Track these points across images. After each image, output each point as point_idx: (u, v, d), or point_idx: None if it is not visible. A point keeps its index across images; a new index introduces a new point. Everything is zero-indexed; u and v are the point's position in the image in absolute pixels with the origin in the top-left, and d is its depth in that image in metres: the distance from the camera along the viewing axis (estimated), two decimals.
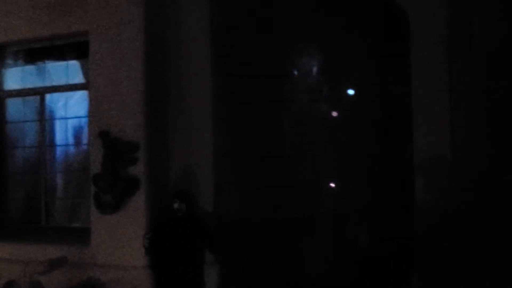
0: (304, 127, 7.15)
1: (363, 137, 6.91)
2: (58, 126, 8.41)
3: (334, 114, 7.07)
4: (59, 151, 8.40)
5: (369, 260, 6.73)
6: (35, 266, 7.38)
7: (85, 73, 8.11)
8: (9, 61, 8.71)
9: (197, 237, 6.96)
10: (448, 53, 6.41)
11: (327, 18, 7.00)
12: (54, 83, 8.40)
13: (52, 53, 8.41)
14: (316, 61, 7.12)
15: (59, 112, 8.42)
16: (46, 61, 8.49)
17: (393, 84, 6.84)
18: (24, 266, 7.43)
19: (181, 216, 6.93)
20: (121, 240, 7.41)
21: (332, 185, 7.11)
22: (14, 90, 8.66)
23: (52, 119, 8.45)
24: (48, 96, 8.44)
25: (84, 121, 8.13)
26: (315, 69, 7.14)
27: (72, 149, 8.35)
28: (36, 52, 8.56)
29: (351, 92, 7.04)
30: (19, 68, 8.68)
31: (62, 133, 8.40)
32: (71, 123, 8.33)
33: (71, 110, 8.34)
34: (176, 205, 6.92)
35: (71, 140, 8.37)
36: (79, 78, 8.25)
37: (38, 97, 8.47)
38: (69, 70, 8.35)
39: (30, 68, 8.60)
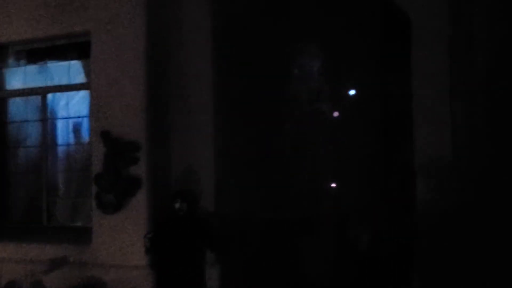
0: (305, 127, 7.17)
1: (364, 137, 6.93)
2: (60, 126, 8.41)
3: (335, 114, 7.09)
4: (60, 150, 8.40)
5: (369, 260, 6.75)
6: (37, 266, 7.41)
7: (87, 73, 8.11)
8: (11, 61, 8.72)
9: (198, 237, 6.96)
10: (449, 53, 6.40)
11: (327, 18, 7.02)
12: (56, 83, 8.40)
13: (53, 53, 8.42)
14: (317, 61, 7.14)
15: (61, 112, 8.42)
16: (48, 61, 8.49)
17: (393, 84, 6.85)
18: (26, 265, 7.46)
19: (182, 216, 6.93)
20: (122, 239, 7.41)
21: (333, 185, 7.12)
22: (16, 90, 8.67)
23: (54, 119, 8.45)
24: (49, 96, 8.45)
25: (85, 121, 8.14)
26: (315, 69, 7.16)
27: (73, 149, 8.35)
28: (37, 52, 8.56)
29: (351, 92, 7.06)
30: (21, 68, 8.68)
31: (64, 133, 8.40)
32: (73, 123, 8.34)
33: (72, 110, 8.35)
34: (177, 205, 6.91)
35: (72, 139, 8.37)
36: (80, 78, 8.25)
37: (39, 97, 8.47)
38: (71, 70, 8.35)
39: (32, 68, 8.60)
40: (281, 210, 7.13)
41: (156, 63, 7.56)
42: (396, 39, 6.79)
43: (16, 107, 8.69)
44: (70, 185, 8.32)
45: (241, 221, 7.21)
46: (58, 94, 8.42)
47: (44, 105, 8.43)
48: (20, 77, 8.68)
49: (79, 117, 8.28)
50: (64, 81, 8.35)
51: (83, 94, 8.19)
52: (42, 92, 8.44)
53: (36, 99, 8.52)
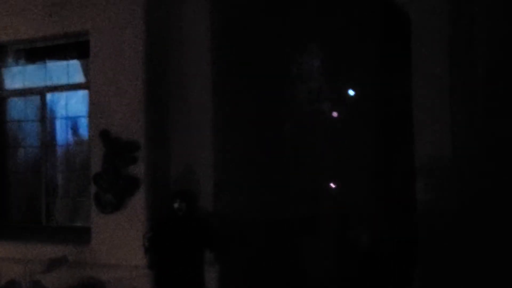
0: (304, 127, 7.17)
1: (363, 137, 6.92)
2: (59, 125, 8.42)
3: (334, 114, 7.08)
4: (59, 150, 8.41)
5: (370, 260, 6.75)
6: (36, 265, 7.39)
7: (86, 73, 8.11)
8: (10, 61, 8.72)
9: (197, 236, 6.96)
10: (449, 53, 6.39)
11: (327, 18, 7.01)
12: (55, 83, 8.40)
13: (52, 52, 8.42)
14: (317, 62, 7.13)
15: (60, 112, 8.42)
16: (47, 61, 8.49)
17: (393, 84, 6.84)
18: (25, 265, 7.44)
19: (181, 215, 6.93)
20: (121, 239, 7.41)
21: (332, 185, 7.12)
22: (15, 90, 8.68)
23: (53, 118, 8.45)
24: (48, 96, 8.45)
25: (84, 120, 8.14)
26: (315, 70, 7.16)
27: (72, 149, 8.35)
28: (37, 52, 8.56)
29: (351, 92, 7.05)
30: (20, 68, 8.69)
31: (63, 133, 8.40)
32: (72, 122, 8.34)
33: (71, 110, 8.34)
34: (176, 205, 6.92)
35: (71, 139, 8.37)
36: (79, 78, 8.26)
37: (38, 97, 8.47)
38: (70, 70, 8.35)
39: (31, 67, 8.61)
40: (281, 210, 7.12)
41: (155, 62, 7.56)
42: (396, 39, 6.78)
43: (15, 107, 8.69)
44: (69, 184, 8.32)
45: (241, 221, 7.20)
46: (57, 93, 8.42)
47: (43, 104, 8.44)
48: (19, 76, 8.68)
49: (78, 116, 8.28)
50: (63, 81, 8.36)
51: (82, 94, 8.18)
52: (41, 91, 8.44)
53: (35, 99, 8.53)
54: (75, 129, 8.34)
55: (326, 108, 7.13)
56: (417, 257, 6.43)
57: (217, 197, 7.30)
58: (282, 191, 7.12)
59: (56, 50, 8.42)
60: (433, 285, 6.30)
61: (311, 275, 6.96)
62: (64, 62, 8.40)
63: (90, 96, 7.79)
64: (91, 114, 7.75)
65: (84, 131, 8.20)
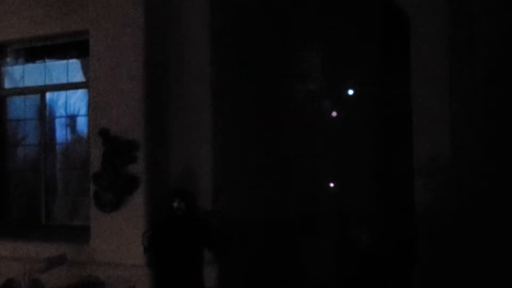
0: (304, 127, 7.17)
1: (364, 137, 6.93)
2: (58, 124, 8.43)
3: (334, 114, 7.09)
4: (59, 149, 8.43)
5: (369, 260, 6.75)
6: (35, 264, 7.39)
7: (85, 72, 8.12)
8: (10, 60, 8.73)
9: (197, 236, 6.94)
10: (448, 53, 6.40)
11: (327, 18, 7.02)
12: (55, 82, 8.41)
13: (52, 51, 8.43)
14: (316, 62, 7.14)
15: (60, 111, 8.43)
16: (47, 60, 8.50)
17: (393, 85, 6.84)
18: (24, 263, 7.44)
19: (181, 215, 6.90)
20: (120, 238, 7.40)
21: (332, 185, 7.12)
22: (15, 88, 8.69)
23: (53, 117, 8.46)
24: (48, 95, 8.45)
25: (84, 119, 8.15)
26: (315, 70, 7.17)
27: (72, 147, 8.36)
28: (36, 51, 8.57)
29: (351, 92, 7.06)
30: (20, 67, 8.70)
31: (62, 131, 8.42)
32: (71, 121, 8.35)
33: (71, 109, 8.35)
34: (175, 204, 6.89)
35: (71, 138, 8.38)
36: (79, 77, 8.27)
37: (38, 96, 8.48)
38: (70, 69, 8.36)
39: (31, 66, 8.62)
40: (281, 209, 7.12)
41: (155, 62, 7.55)
42: (395, 39, 6.79)
43: (15, 106, 8.70)
44: (69, 183, 8.33)
45: (240, 221, 7.20)
46: (57, 92, 8.43)
47: (43, 103, 8.44)
48: (19, 75, 8.69)
49: (77, 115, 8.29)
50: (63, 80, 8.37)
51: (82, 93, 8.19)
52: (41, 90, 8.46)
53: (35, 98, 8.53)
54: (74, 128, 8.35)
55: (326, 108, 7.14)
56: (416, 257, 6.43)
57: (217, 196, 7.30)
58: (282, 190, 7.13)
59: (56, 49, 8.43)
60: (433, 285, 6.30)
61: (311, 275, 6.96)
62: (64, 61, 8.42)
63: (90, 95, 7.78)
64: (91, 113, 7.73)
65: (83, 130, 8.22)
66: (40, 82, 8.50)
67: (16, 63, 8.71)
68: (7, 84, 8.76)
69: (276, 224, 7.14)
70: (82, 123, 8.24)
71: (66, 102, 8.40)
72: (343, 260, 6.93)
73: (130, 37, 7.47)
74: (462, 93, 6.37)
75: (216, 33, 7.42)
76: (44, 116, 8.44)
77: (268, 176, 7.22)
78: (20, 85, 8.66)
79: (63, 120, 8.40)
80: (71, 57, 8.35)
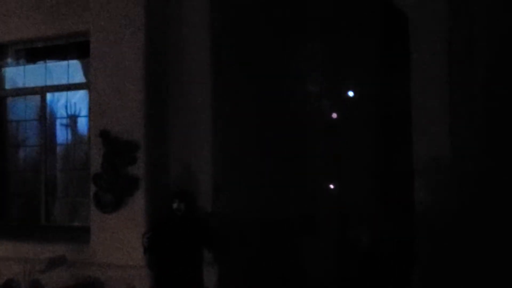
0: (304, 127, 7.16)
1: (363, 137, 6.92)
2: (59, 125, 8.44)
3: (334, 114, 7.08)
4: (59, 150, 8.44)
5: (369, 260, 6.74)
6: (35, 265, 7.40)
7: (86, 73, 8.13)
8: (11, 60, 8.74)
9: (197, 236, 6.95)
10: (449, 53, 6.39)
11: (327, 19, 7.01)
12: (55, 83, 8.42)
13: (53, 52, 8.45)
14: (316, 62, 7.13)
15: (60, 111, 8.44)
16: (47, 61, 8.52)
17: (393, 85, 6.83)
18: (24, 264, 7.45)
19: (181, 215, 6.92)
20: (120, 239, 7.39)
21: (332, 185, 7.11)
22: (15, 89, 8.70)
23: (53, 118, 8.47)
24: (49, 95, 8.46)
25: (84, 120, 8.16)
26: (315, 69, 7.16)
27: (72, 148, 8.36)
28: (37, 52, 8.59)
29: (351, 92, 7.05)
30: (20, 67, 8.71)
31: (63, 132, 8.43)
32: (72, 122, 8.36)
33: (71, 110, 8.36)
34: (175, 205, 6.91)
35: (71, 139, 8.39)
36: (80, 78, 8.28)
37: (39, 96, 8.48)
38: (70, 70, 8.37)
39: (31, 67, 8.63)
40: (280, 210, 7.11)
41: (155, 62, 7.56)
42: (395, 39, 6.78)
43: (16, 107, 8.70)
44: (69, 184, 8.33)
45: (240, 220, 7.19)
46: (57, 93, 8.44)
47: (43, 104, 8.45)
48: (19, 76, 8.70)
49: (78, 116, 8.30)
50: (63, 81, 8.38)
51: (83, 94, 8.19)
52: (42, 91, 8.46)
53: (35, 99, 8.54)
54: (75, 129, 8.36)
55: (326, 108, 7.13)
56: (416, 257, 6.42)
57: (217, 196, 7.30)
58: (281, 191, 7.11)
59: (56, 50, 8.45)
60: (433, 285, 6.29)
61: (311, 275, 6.95)
62: (65, 62, 8.43)
63: (90, 96, 7.79)
64: (91, 114, 7.74)
65: (84, 131, 8.22)
66: (40, 83, 8.50)
67: (17, 64, 8.72)
68: (8, 85, 8.76)
69: (275, 224, 7.13)
70: (82, 124, 8.25)
71: (66, 103, 8.40)
72: (343, 260, 6.91)
73: (131, 38, 7.48)
74: (462, 93, 6.36)
75: (216, 33, 7.42)
76: (45, 117, 8.44)
77: (268, 176, 7.21)
78: (21, 85, 8.67)
79: (63, 121, 8.41)
80: (72, 58, 8.36)
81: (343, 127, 7.03)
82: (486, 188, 6.15)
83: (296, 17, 7.10)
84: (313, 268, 7.00)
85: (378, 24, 6.84)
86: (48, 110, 8.47)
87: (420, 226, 6.42)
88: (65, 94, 8.41)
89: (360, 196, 6.94)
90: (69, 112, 8.38)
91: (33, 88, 8.55)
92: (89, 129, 7.80)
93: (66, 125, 8.39)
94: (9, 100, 8.78)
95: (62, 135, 8.43)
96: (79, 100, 8.28)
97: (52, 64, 8.49)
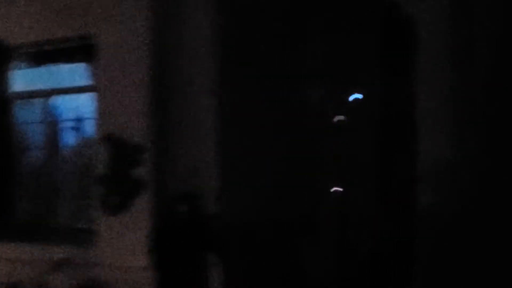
0: (307, 129, 7.15)
1: (365, 138, 6.91)
2: (65, 127, 8.47)
3: (336, 115, 7.07)
4: (65, 152, 8.47)
5: (370, 260, 6.73)
6: (41, 267, 7.43)
7: (92, 76, 8.16)
8: (17, 63, 8.78)
9: (201, 238, 6.97)
10: (449, 53, 6.38)
11: (328, 19, 7.01)
12: (61, 85, 8.46)
13: (59, 55, 8.48)
14: (319, 64, 7.12)
15: (66, 114, 8.48)
16: (53, 64, 8.55)
17: (396, 87, 6.82)
18: (30, 266, 7.49)
19: (185, 218, 6.94)
20: (126, 241, 7.43)
21: (335, 187, 7.10)
22: (21, 92, 8.75)
23: (59, 120, 8.51)
24: (54, 98, 8.51)
25: (90, 123, 8.18)
26: (318, 72, 7.15)
27: (78, 151, 8.40)
28: (44, 55, 8.62)
29: (353, 94, 7.04)
30: (27, 70, 8.76)
31: (69, 135, 8.46)
32: (78, 125, 8.39)
33: (77, 112, 8.40)
34: (180, 207, 6.93)
35: (77, 141, 8.43)
36: (85, 80, 8.31)
37: (45, 99, 8.54)
38: (77, 73, 8.40)
39: (37, 70, 8.67)
40: (284, 211, 7.11)
41: (160, 64, 7.58)
42: (397, 40, 6.77)
43: (22, 109, 8.75)
44: (75, 186, 8.36)
45: (245, 222, 7.20)
46: (63, 96, 8.49)
47: (49, 107, 8.49)
48: (26, 79, 8.74)
49: (84, 119, 8.34)
50: (69, 84, 8.41)
51: (88, 97, 8.23)
52: (47, 94, 8.51)
53: (41, 101, 8.59)
54: (80, 132, 8.40)
55: (328, 110, 7.12)
56: (417, 258, 6.41)
57: (221, 198, 7.30)
58: (285, 192, 7.12)
59: (63, 53, 8.47)
60: (433, 285, 6.28)
61: (311, 275, 6.95)
62: (71, 65, 8.45)
63: (96, 98, 7.83)
64: (97, 117, 7.78)
65: (90, 134, 8.25)
66: (46, 86, 8.55)
67: (24, 67, 8.77)
68: (14, 88, 8.81)
69: (280, 225, 7.13)
70: (88, 127, 8.27)
71: (72, 106, 8.44)
72: (343, 260, 6.90)
73: (136, 41, 7.51)
74: (464, 94, 6.35)
75: (220, 33, 7.43)
76: (51, 119, 8.49)
77: (271, 177, 7.21)
78: (27, 88, 8.72)
79: (69, 123, 8.44)
80: (78, 61, 8.38)
81: (344, 128, 7.03)
82: (487, 190, 6.14)
83: (297, 18, 7.10)
84: (313, 268, 7.00)
85: (382, 27, 6.84)
86: (54, 112, 8.51)
87: (420, 226, 6.41)
88: (71, 97, 8.43)
89: (360, 196, 6.94)
90: (75, 115, 8.41)
91: (39, 91, 8.59)
92: (95, 131, 7.84)
93: (72, 128, 8.42)
94: (16, 102, 8.82)
95: (68, 137, 8.47)
96: (85, 103, 8.30)
97: (58, 67, 8.52)
